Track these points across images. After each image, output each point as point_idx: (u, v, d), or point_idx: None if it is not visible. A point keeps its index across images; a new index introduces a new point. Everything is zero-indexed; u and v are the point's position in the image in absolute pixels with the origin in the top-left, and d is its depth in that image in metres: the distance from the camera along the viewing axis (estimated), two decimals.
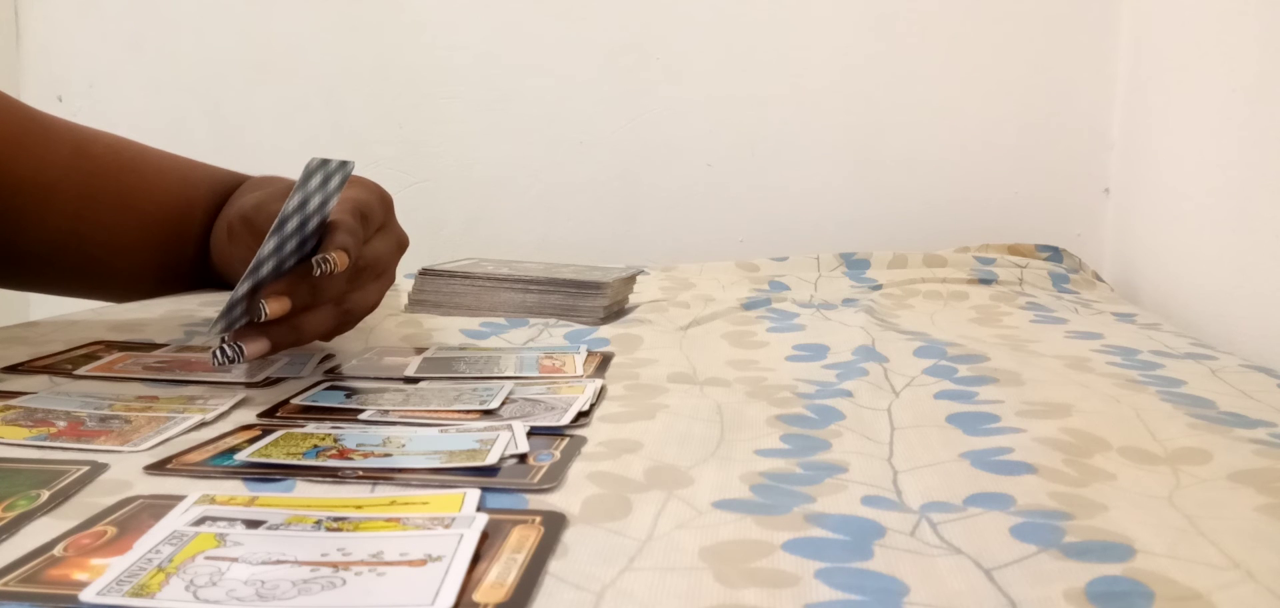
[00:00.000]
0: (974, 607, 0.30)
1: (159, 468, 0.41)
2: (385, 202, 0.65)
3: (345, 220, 0.56)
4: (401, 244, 0.66)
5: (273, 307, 0.52)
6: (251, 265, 0.50)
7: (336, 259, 0.53)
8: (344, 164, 0.53)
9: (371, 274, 0.61)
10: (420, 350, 0.65)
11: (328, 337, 0.61)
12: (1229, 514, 0.37)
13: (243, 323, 0.53)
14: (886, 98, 1.23)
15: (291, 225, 0.51)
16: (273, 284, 0.53)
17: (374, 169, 1.29)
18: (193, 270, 0.81)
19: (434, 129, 1.29)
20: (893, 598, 0.30)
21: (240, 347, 0.51)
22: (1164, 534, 0.35)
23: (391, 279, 0.65)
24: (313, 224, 0.53)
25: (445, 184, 1.29)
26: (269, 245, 0.50)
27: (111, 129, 0.78)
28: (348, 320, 0.61)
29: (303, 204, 0.51)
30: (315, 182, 0.52)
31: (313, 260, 0.52)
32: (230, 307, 0.52)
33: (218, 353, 0.51)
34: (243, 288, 0.51)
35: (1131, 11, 1.15)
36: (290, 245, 0.52)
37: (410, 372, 0.59)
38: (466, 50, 1.27)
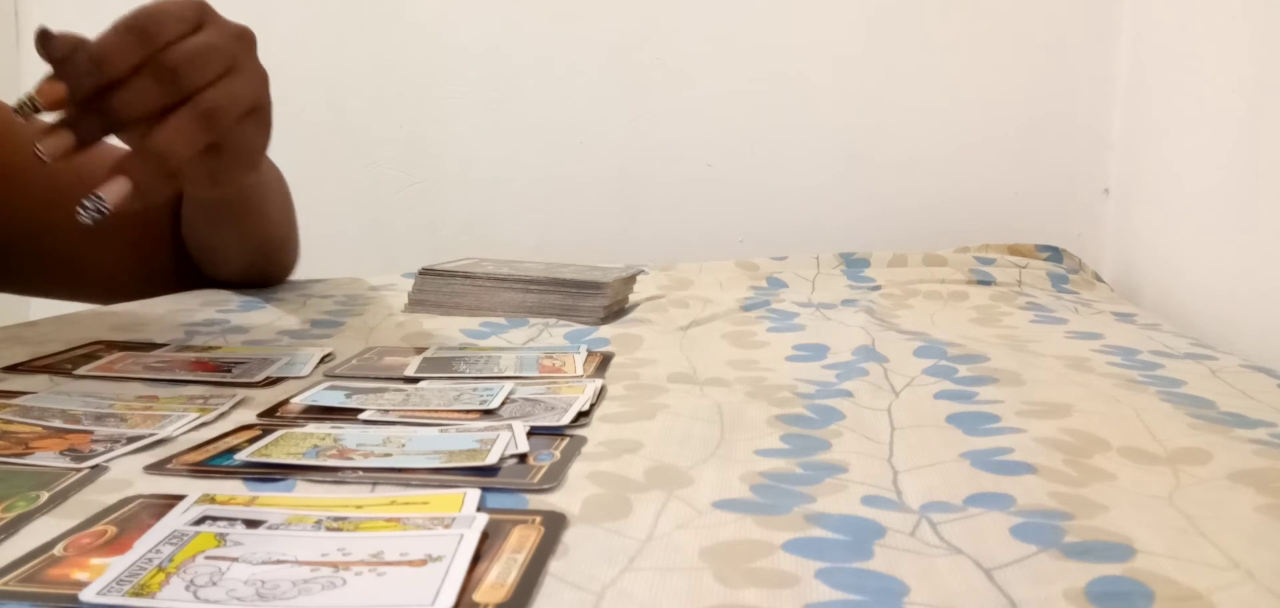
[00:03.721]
0: (974, 607, 0.30)
1: (159, 468, 0.41)
2: (190, 4, 0.55)
3: (91, 40, 0.51)
4: (241, 34, 0.56)
5: (45, 91, 0.48)
6: None
7: (37, 96, 0.49)
8: None
9: (213, 66, 0.53)
10: (420, 350, 0.65)
11: (195, 146, 0.52)
12: (1229, 514, 0.37)
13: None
14: (886, 97, 1.23)
15: None
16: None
17: (374, 169, 1.29)
18: (170, 269, 0.80)
19: (434, 129, 1.29)
20: (893, 598, 0.30)
21: (98, 197, 0.48)
22: (1164, 534, 0.35)
23: (255, 74, 0.56)
24: None
25: (445, 184, 1.29)
26: None
27: None
28: (213, 122, 0.53)
29: None
30: None
31: (16, 103, 0.49)
32: None
33: (80, 210, 0.48)
34: None
35: (1131, 11, 1.15)
36: None
37: (410, 372, 0.59)
38: (467, 50, 1.27)
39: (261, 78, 0.57)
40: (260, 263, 0.83)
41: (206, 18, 0.55)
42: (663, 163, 1.26)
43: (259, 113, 0.57)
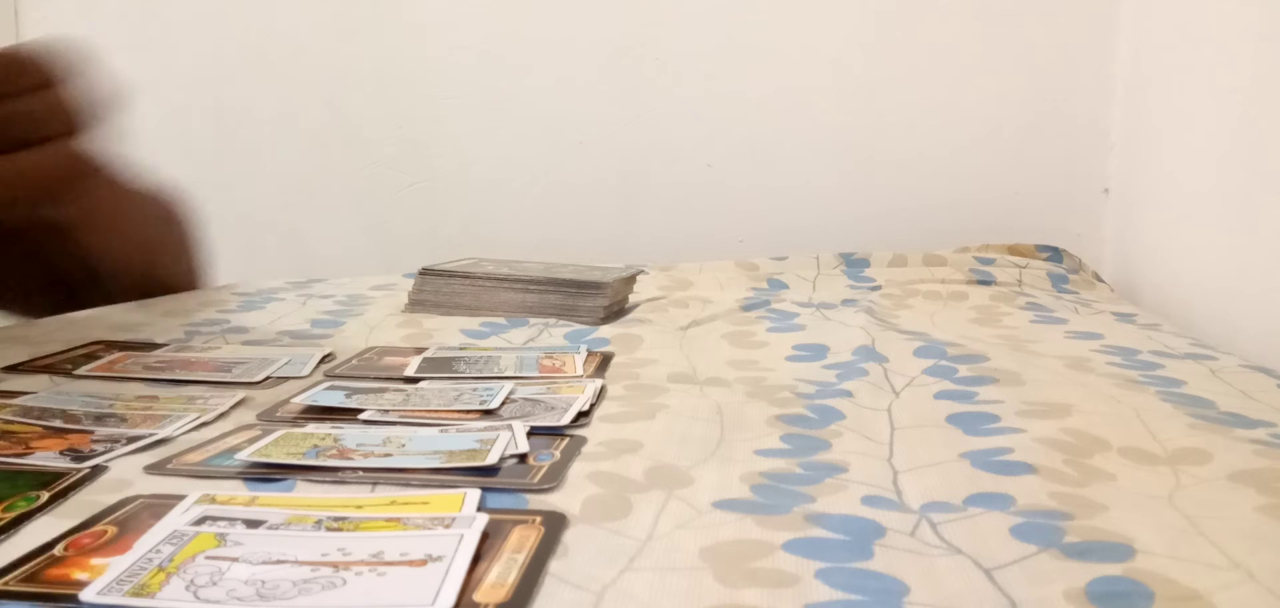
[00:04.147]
0: (974, 607, 0.30)
1: (159, 468, 0.41)
2: (29, 65, 0.55)
3: None
4: (69, 111, 0.57)
5: None
6: None
7: None
8: None
9: (9, 135, 0.54)
10: (420, 350, 0.65)
11: None
12: (1229, 514, 0.37)
13: None
14: (886, 97, 1.23)
15: None
16: None
17: (374, 169, 1.29)
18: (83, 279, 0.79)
19: (433, 129, 1.29)
20: (893, 598, 0.30)
21: None
22: (1164, 534, 0.35)
23: (57, 154, 0.57)
24: None
25: (444, 184, 1.29)
26: None
27: None
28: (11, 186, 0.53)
29: None
30: None
31: None
32: None
33: None
34: None
35: (1131, 11, 1.15)
36: None
37: (410, 372, 0.59)
38: (466, 50, 1.27)
39: (65, 160, 0.57)
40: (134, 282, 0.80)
41: (48, 82, 0.55)
42: (662, 163, 1.26)
43: (52, 188, 0.57)
